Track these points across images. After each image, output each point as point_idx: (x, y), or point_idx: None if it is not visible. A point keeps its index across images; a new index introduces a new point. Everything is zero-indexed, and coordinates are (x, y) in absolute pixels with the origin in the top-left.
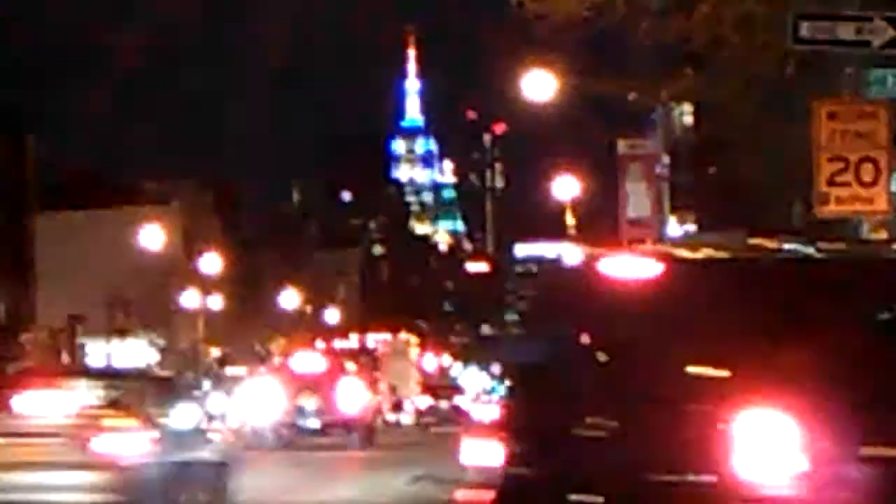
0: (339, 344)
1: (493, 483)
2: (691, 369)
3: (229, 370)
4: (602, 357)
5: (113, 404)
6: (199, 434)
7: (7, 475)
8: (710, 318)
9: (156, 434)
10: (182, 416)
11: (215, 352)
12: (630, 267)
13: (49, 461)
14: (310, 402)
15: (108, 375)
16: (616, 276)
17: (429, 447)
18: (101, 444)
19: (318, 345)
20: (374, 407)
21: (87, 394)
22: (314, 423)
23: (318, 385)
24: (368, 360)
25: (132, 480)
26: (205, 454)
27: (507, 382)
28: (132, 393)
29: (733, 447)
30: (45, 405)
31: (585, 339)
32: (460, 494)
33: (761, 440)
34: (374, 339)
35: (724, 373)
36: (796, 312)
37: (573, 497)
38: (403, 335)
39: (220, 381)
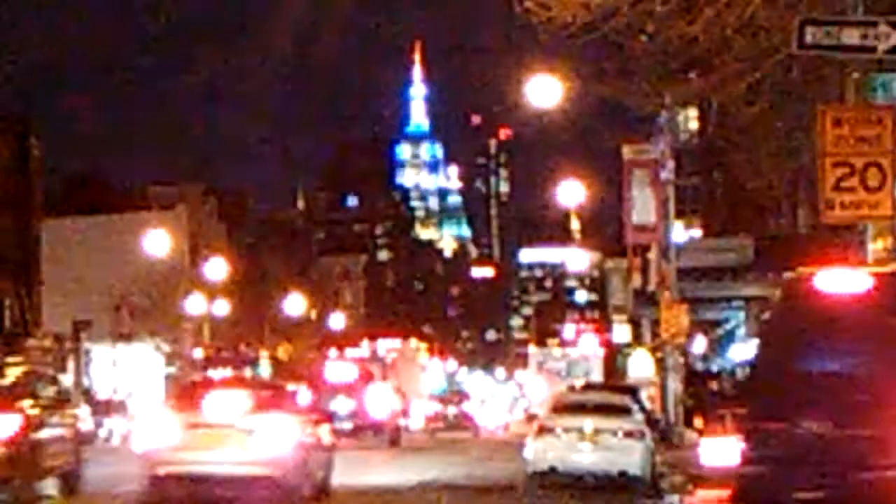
0: (350, 352)
1: (730, 482)
2: None
3: (211, 373)
4: (822, 364)
5: (263, 404)
6: (312, 425)
7: (198, 454)
8: None
9: (297, 425)
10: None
11: (198, 352)
12: (844, 281)
13: (225, 444)
14: (343, 406)
15: (259, 385)
16: (830, 290)
17: (438, 451)
18: (260, 433)
19: (331, 353)
20: (399, 411)
21: (247, 396)
22: (347, 426)
23: (350, 390)
24: (380, 368)
25: (283, 459)
26: (322, 440)
27: (743, 385)
28: (275, 397)
29: None
30: (221, 405)
31: (806, 347)
32: (699, 494)
33: None
34: (386, 347)
35: None
36: None
37: (800, 495)
38: (413, 342)
39: None
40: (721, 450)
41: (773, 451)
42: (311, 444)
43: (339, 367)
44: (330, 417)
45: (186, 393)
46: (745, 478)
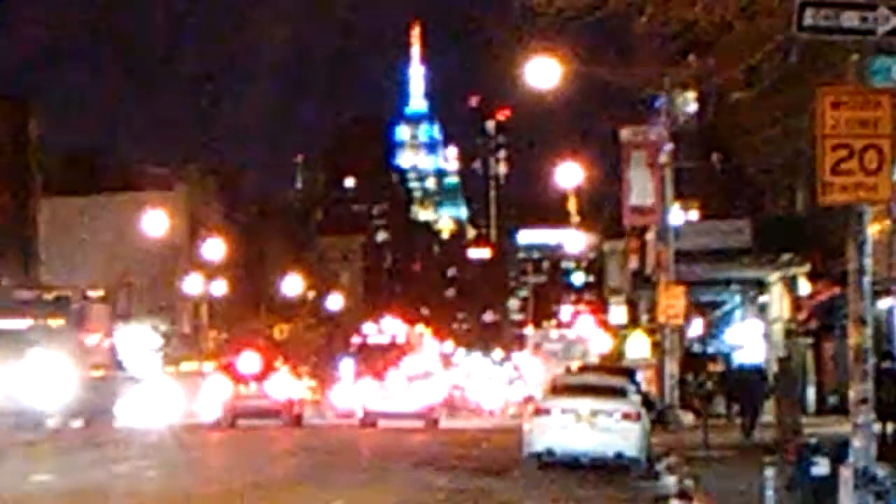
0: (373, 339)
1: None
2: None
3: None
4: None
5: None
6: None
7: (383, 401)
8: None
9: (435, 386)
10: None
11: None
12: None
13: (398, 395)
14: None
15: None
16: None
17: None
18: (417, 392)
19: (355, 339)
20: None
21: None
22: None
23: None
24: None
25: (428, 406)
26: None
27: None
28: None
29: None
30: (394, 374)
31: None
32: None
33: None
34: (402, 332)
35: None
36: None
37: None
38: (419, 328)
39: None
40: None
41: None
42: (439, 400)
43: (415, 361)
44: None
45: (372, 366)
46: None
